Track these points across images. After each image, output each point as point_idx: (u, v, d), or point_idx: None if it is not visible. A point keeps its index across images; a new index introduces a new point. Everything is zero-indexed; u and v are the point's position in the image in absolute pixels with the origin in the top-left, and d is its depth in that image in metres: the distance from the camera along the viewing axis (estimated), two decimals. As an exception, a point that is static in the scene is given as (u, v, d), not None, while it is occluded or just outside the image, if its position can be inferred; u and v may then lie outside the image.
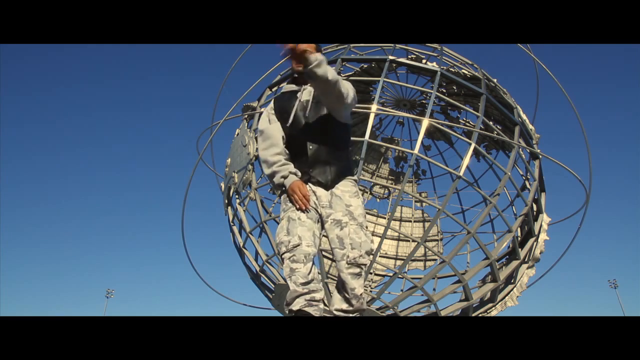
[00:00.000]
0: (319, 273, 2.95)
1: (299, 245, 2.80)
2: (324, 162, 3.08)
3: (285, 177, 3.03)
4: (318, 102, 3.13)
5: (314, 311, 2.74)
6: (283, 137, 3.16)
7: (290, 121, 3.10)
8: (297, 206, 2.95)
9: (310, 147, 3.08)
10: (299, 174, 3.07)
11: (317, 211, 3.03)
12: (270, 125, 3.21)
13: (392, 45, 12.04)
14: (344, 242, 2.89)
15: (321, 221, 3.06)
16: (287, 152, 3.15)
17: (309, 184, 3.07)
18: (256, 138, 11.11)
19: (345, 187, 3.10)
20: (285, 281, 2.85)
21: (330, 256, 10.77)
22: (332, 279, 12.70)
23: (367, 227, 3.13)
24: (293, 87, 3.31)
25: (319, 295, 2.82)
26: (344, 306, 2.92)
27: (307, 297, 2.75)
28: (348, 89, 3.02)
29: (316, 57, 2.70)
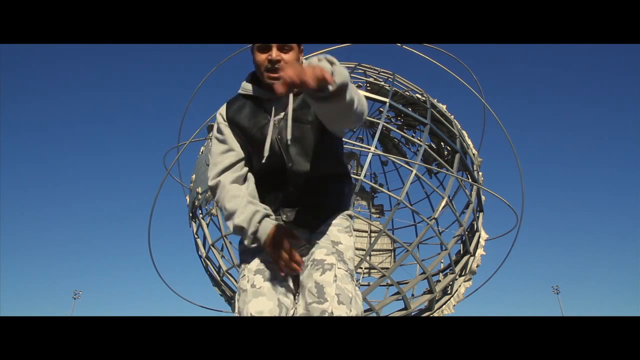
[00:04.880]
0: None
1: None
2: (311, 202, 2.23)
3: (257, 231, 2.08)
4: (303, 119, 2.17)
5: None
6: (242, 161, 2.26)
7: (266, 154, 2.13)
8: (282, 270, 2.03)
9: (292, 183, 2.19)
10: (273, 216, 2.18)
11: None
12: (222, 151, 2.25)
13: (353, 64, 13.25)
14: (325, 291, 1.94)
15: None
16: (249, 184, 2.24)
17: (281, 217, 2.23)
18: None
19: (335, 220, 2.27)
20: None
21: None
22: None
23: (357, 281, 2.25)
24: (250, 90, 2.26)
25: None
26: None
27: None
28: (363, 103, 1.95)
29: (341, 79, 1.65)
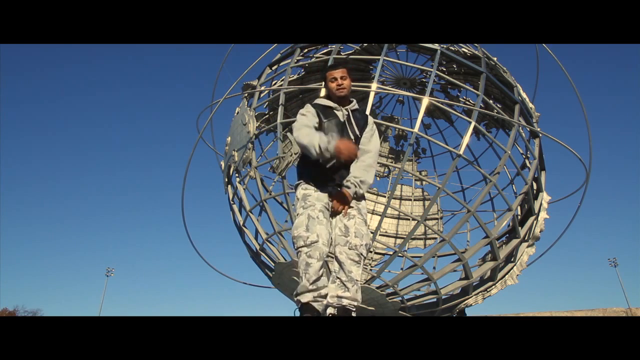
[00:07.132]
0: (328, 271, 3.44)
1: (316, 242, 3.14)
2: (347, 168, 3.48)
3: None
4: (350, 125, 3.54)
5: (318, 306, 3.14)
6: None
7: (337, 139, 3.25)
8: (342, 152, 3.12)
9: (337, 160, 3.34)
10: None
11: (328, 209, 3.36)
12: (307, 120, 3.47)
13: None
14: (349, 230, 3.27)
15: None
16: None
17: (330, 186, 3.42)
18: (256, 116, 11.09)
19: None
20: (299, 274, 3.18)
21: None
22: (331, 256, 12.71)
23: (369, 226, 3.37)
24: (328, 102, 3.60)
25: (324, 291, 3.17)
26: (339, 292, 3.16)
27: (315, 293, 3.13)
28: (375, 156, 3.65)
29: (353, 193, 3.37)
